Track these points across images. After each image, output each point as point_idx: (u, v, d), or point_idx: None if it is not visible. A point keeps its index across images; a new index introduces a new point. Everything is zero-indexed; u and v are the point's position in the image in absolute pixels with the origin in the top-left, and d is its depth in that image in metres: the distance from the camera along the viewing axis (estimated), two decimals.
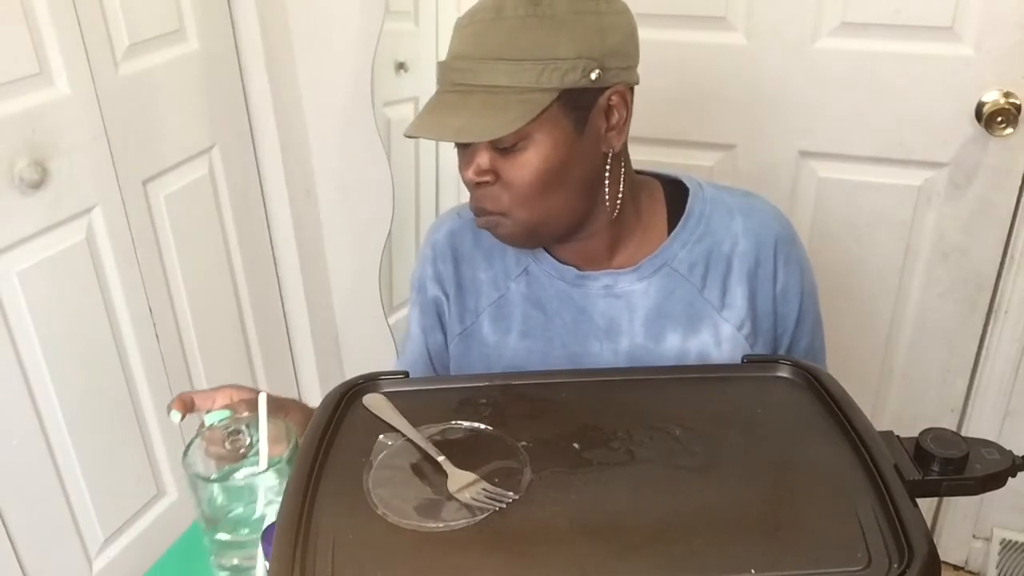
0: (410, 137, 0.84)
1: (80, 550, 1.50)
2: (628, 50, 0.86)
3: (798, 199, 1.59)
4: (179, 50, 1.57)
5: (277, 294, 1.95)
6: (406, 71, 1.80)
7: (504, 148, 0.84)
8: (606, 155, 0.89)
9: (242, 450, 0.82)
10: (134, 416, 1.56)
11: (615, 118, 0.87)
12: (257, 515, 0.78)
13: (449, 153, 2.04)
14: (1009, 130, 1.38)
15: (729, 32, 1.52)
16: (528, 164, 0.84)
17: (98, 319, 1.46)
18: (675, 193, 0.97)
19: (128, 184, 1.48)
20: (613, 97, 0.86)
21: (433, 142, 1.85)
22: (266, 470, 0.78)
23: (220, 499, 0.79)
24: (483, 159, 0.85)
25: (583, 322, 0.95)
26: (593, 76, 0.82)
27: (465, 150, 0.87)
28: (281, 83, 1.76)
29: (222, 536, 0.79)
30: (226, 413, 0.85)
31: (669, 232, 0.95)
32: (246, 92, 1.75)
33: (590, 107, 0.85)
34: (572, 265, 0.96)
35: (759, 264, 0.94)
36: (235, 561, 0.79)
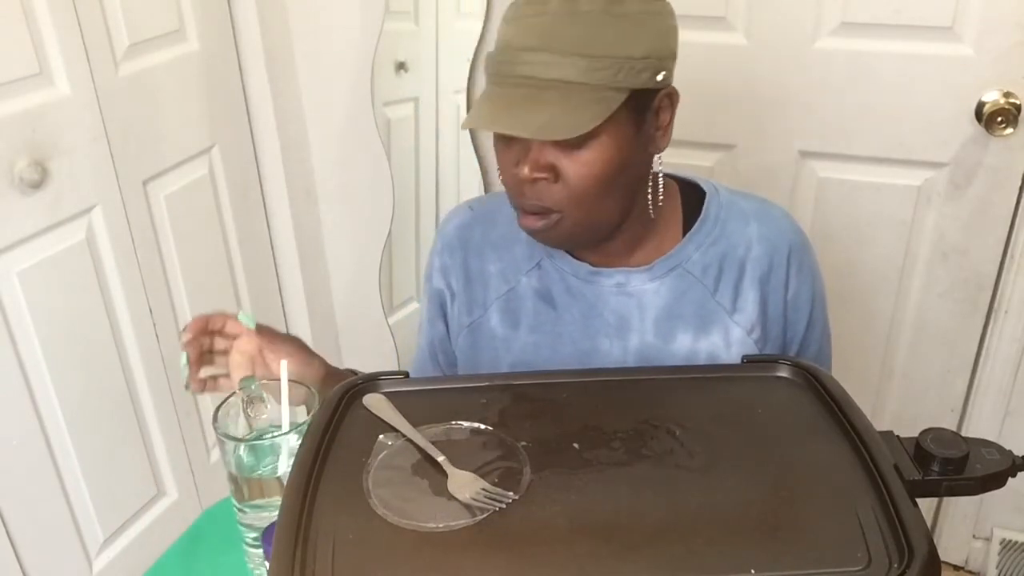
0: (483, 130, 0.82)
1: (80, 550, 1.50)
2: (676, 52, 0.87)
3: (798, 199, 1.59)
4: (179, 50, 1.57)
5: (277, 294, 1.95)
6: (406, 71, 1.80)
7: (569, 146, 0.82)
8: (651, 156, 0.89)
9: (264, 416, 0.86)
10: (134, 416, 1.56)
11: (663, 119, 0.88)
12: (280, 473, 0.82)
13: (448, 153, 2.04)
14: (1009, 130, 1.38)
15: (729, 32, 1.52)
16: (592, 163, 0.83)
17: (98, 319, 1.46)
18: (691, 195, 0.97)
19: (128, 184, 1.48)
20: (665, 98, 0.86)
21: (432, 140, 1.86)
22: (288, 432, 0.82)
23: (247, 459, 0.83)
24: (545, 156, 0.83)
25: (593, 318, 0.96)
26: (659, 78, 0.83)
27: (514, 145, 0.84)
28: (281, 83, 1.76)
29: (248, 498, 0.83)
30: (253, 381, 0.88)
31: (684, 234, 0.95)
32: (246, 92, 1.75)
33: (648, 108, 0.85)
34: (586, 261, 0.96)
35: (772, 270, 0.94)
36: (259, 523, 0.83)
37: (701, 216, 0.95)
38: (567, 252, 0.96)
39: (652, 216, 0.93)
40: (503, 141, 0.85)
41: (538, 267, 0.98)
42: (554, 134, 0.80)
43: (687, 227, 0.95)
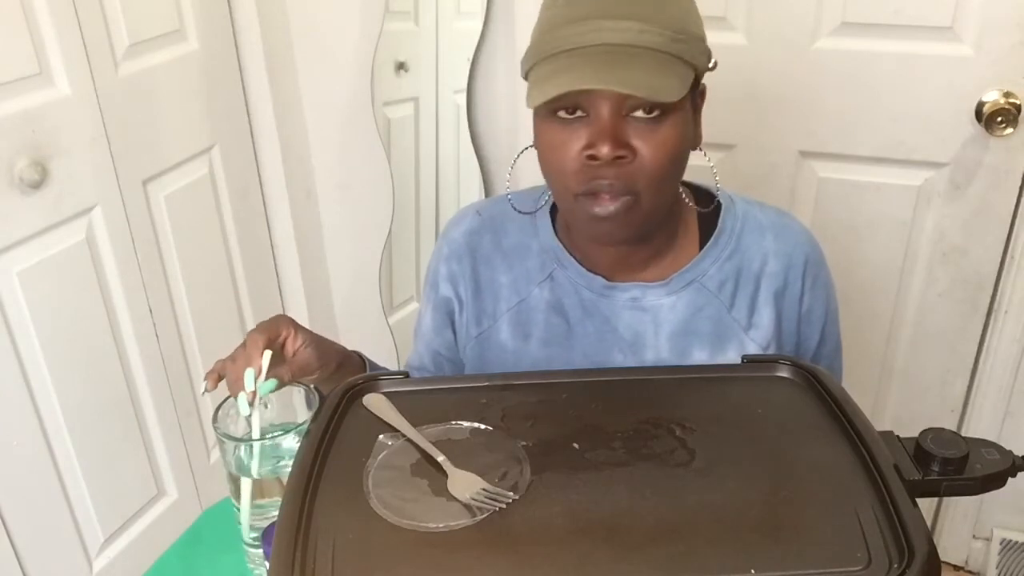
0: (584, 87, 0.76)
1: (80, 550, 1.50)
2: None
3: (798, 199, 1.59)
4: (179, 50, 1.57)
5: (277, 294, 1.95)
6: (406, 71, 1.80)
7: (648, 123, 0.79)
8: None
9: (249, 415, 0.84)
10: (134, 416, 1.56)
11: (698, 113, 0.87)
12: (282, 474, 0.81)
13: (448, 153, 2.04)
14: (1009, 130, 1.38)
15: (729, 32, 1.52)
16: (666, 142, 0.80)
17: (98, 319, 1.46)
18: (705, 204, 0.94)
19: (128, 184, 1.48)
20: (702, 91, 0.85)
21: (432, 140, 1.85)
22: (284, 433, 0.81)
23: (247, 459, 0.82)
24: (625, 133, 0.79)
25: (607, 333, 0.93)
26: (711, 64, 0.82)
27: (583, 126, 0.80)
28: (281, 83, 1.76)
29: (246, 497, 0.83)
30: (272, 384, 0.85)
31: (699, 244, 0.93)
32: (246, 92, 1.75)
33: (695, 96, 0.84)
34: (600, 274, 0.93)
35: (787, 285, 0.93)
36: (259, 523, 0.83)
37: (717, 229, 0.92)
38: (578, 263, 0.94)
39: (677, 222, 0.92)
40: (566, 124, 0.80)
41: (550, 279, 0.95)
42: (663, 95, 0.76)
43: (702, 237, 0.93)
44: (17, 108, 1.27)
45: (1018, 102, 1.37)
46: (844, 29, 1.45)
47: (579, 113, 0.80)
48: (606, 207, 0.81)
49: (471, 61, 1.67)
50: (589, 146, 0.79)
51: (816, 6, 1.44)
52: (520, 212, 0.96)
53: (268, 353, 0.84)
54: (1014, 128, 1.38)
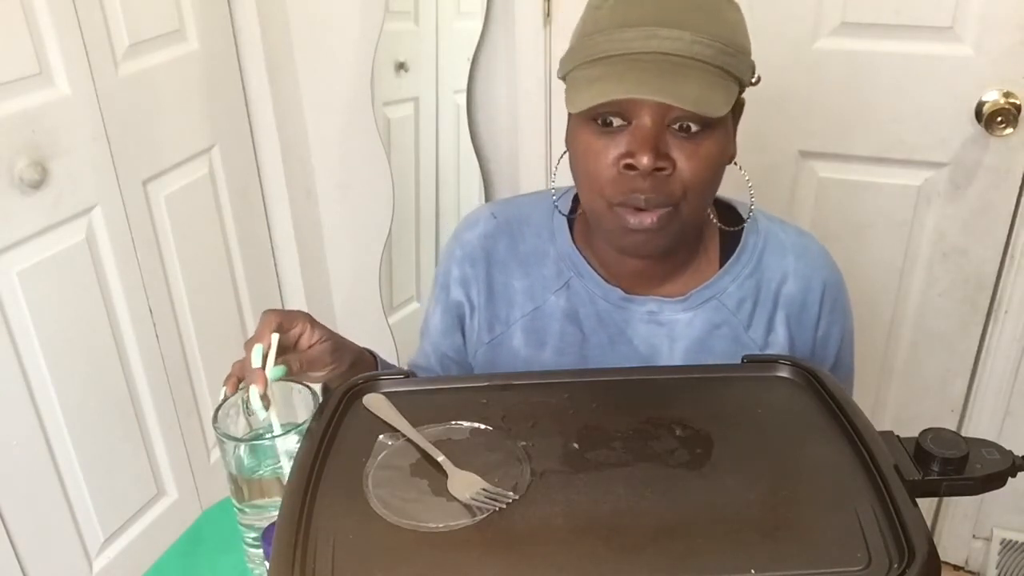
0: (635, 96, 0.74)
1: (80, 550, 1.50)
2: None
3: (798, 199, 1.59)
4: (179, 50, 1.57)
5: (277, 294, 1.95)
6: (406, 71, 1.81)
7: (690, 135, 0.78)
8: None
9: (265, 418, 0.83)
10: (134, 416, 1.57)
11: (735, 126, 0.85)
12: (282, 473, 0.81)
13: (448, 153, 2.04)
14: (1009, 130, 1.38)
15: None
16: (708, 156, 0.79)
17: (98, 319, 1.46)
18: (727, 218, 0.93)
19: (128, 184, 1.48)
20: (741, 103, 0.84)
21: (432, 140, 1.85)
22: (285, 433, 0.80)
23: (247, 459, 0.82)
24: (664, 144, 0.77)
25: (622, 344, 0.92)
26: (754, 79, 0.81)
27: (622, 135, 0.78)
28: (281, 83, 1.76)
29: (248, 498, 0.83)
30: (282, 370, 0.83)
31: (719, 258, 0.92)
32: (246, 92, 1.75)
33: (736, 110, 0.83)
34: (618, 286, 0.92)
35: (804, 308, 0.92)
36: (259, 523, 0.82)
37: (740, 246, 0.91)
38: (597, 273, 0.93)
39: (700, 237, 0.91)
40: (605, 130, 0.79)
41: (567, 287, 0.93)
42: (710, 109, 0.75)
43: (722, 253, 0.92)
44: (17, 108, 1.27)
45: (1018, 102, 1.37)
46: (844, 29, 1.45)
47: (619, 121, 0.79)
48: (641, 220, 0.80)
49: (471, 61, 1.67)
50: (628, 155, 0.78)
51: (816, 6, 1.44)
52: (563, 215, 0.95)
53: (276, 336, 0.82)
54: (1014, 128, 1.38)
